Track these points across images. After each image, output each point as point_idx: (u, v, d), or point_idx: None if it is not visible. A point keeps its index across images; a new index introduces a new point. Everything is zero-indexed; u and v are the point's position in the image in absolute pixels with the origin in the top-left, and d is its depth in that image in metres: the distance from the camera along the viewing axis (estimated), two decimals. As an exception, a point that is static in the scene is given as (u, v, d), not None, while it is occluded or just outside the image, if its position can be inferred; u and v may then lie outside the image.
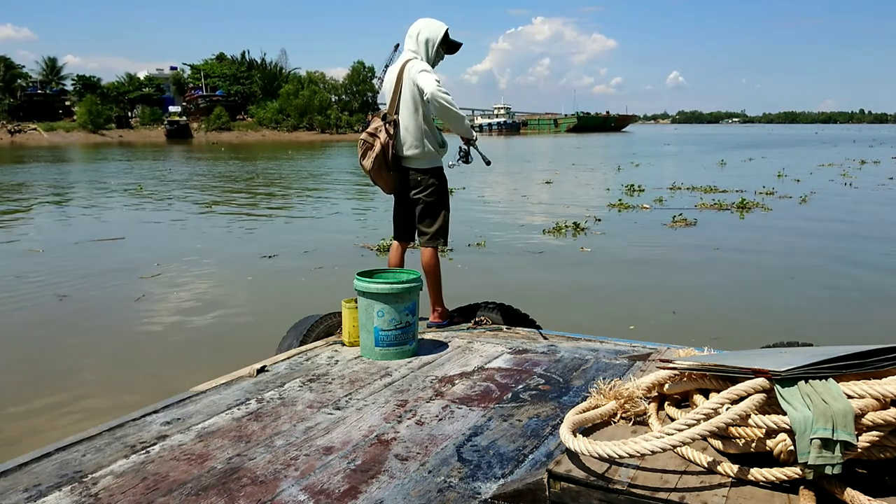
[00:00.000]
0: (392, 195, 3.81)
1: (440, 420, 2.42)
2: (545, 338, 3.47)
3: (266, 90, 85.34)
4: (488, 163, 3.94)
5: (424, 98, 3.51)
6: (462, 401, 2.60)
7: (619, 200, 14.57)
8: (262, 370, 2.97)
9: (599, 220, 12.09)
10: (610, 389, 2.22)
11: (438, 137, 3.72)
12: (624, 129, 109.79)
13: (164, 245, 10.19)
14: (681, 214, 12.05)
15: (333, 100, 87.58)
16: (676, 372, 2.19)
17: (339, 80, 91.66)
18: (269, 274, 7.97)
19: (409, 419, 2.43)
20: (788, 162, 27.62)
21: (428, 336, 3.51)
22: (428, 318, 3.74)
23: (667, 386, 2.26)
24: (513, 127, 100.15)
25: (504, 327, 3.67)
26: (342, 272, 7.62)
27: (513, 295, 6.76)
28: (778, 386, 1.81)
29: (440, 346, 3.34)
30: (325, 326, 3.55)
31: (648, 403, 2.28)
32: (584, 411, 2.19)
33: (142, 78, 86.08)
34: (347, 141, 64.80)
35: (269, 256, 8.96)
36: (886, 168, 24.25)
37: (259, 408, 2.56)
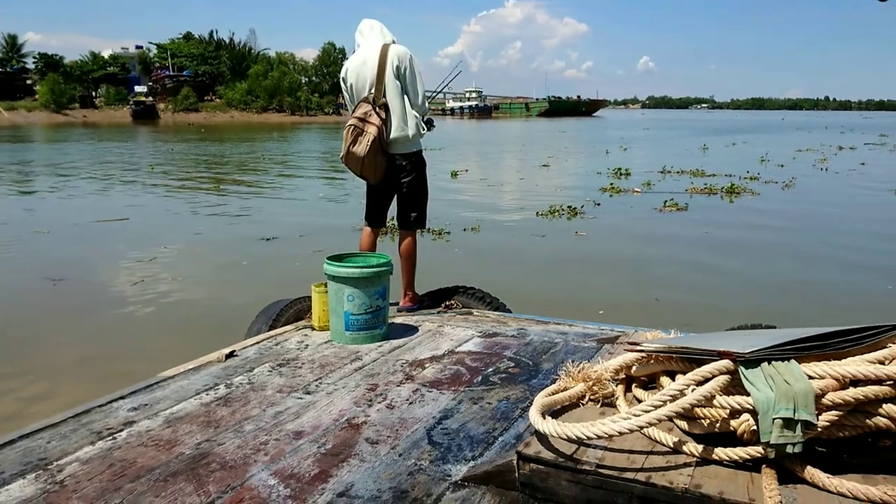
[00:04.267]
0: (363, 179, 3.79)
1: (411, 404, 2.43)
2: (515, 321, 3.49)
3: (235, 71, 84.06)
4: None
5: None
6: (432, 384, 2.61)
7: (611, 184, 14.66)
8: (230, 355, 2.95)
9: (599, 203, 12.18)
10: (578, 372, 2.24)
11: (420, 120, 3.72)
12: (595, 114, 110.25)
13: (164, 226, 10.09)
14: (672, 199, 12.17)
15: (303, 81, 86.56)
16: (644, 354, 2.22)
17: (310, 61, 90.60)
18: (265, 258, 7.91)
19: (379, 403, 2.44)
20: (769, 147, 28.00)
21: (398, 320, 3.51)
22: (399, 303, 3.75)
23: (634, 368, 2.29)
24: (485, 110, 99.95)
25: (474, 311, 3.69)
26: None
27: (504, 279, 6.84)
28: (742, 367, 1.84)
29: (411, 330, 3.34)
30: (295, 311, 3.54)
31: (616, 385, 2.31)
32: (553, 394, 2.21)
33: (106, 57, 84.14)
34: (318, 123, 64.26)
35: (268, 239, 8.88)
36: (861, 154, 24.78)
37: (228, 393, 2.54)
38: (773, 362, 1.84)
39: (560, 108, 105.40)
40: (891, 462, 1.74)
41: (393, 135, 3.60)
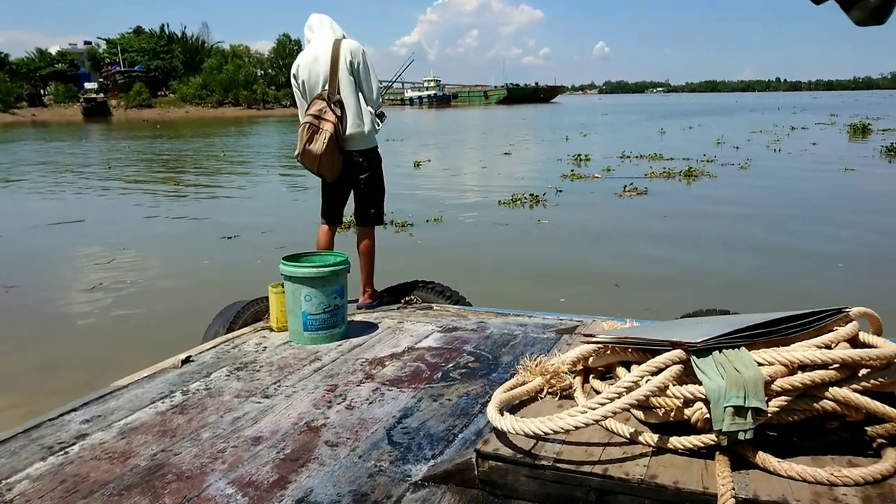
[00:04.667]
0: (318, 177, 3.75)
1: (370, 403, 2.42)
2: (475, 315, 3.50)
3: (188, 65, 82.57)
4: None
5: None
6: (392, 382, 2.61)
7: (572, 171, 14.76)
8: (186, 360, 2.90)
9: (560, 190, 12.24)
10: (536, 366, 2.26)
11: (374, 115, 3.69)
12: (553, 100, 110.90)
13: (122, 228, 9.86)
14: (632, 184, 12.30)
15: (259, 74, 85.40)
16: (599, 346, 2.24)
17: (265, 53, 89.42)
18: (226, 257, 7.79)
19: (339, 404, 2.42)
20: (724, 130, 28.42)
21: (358, 318, 3.49)
22: (358, 300, 3.73)
23: (591, 359, 2.31)
24: (443, 99, 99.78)
25: (434, 306, 3.69)
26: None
27: (466, 270, 6.85)
28: (694, 357, 1.87)
29: (370, 327, 3.33)
30: (253, 312, 3.49)
31: (574, 377, 2.33)
32: (512, 388, 2.22)
33: (53, 53, 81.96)
34: (275, 116, 63.49)
35: (229, 237, 8.75)
36: (813, 134, 25.30)
37: (184, 400, 2.50)
38: (723, 350, 1.87)
39: (518, 95, 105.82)
40: (837, 443, 1.79)
41: (349, 131, 3.57)
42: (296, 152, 3.62)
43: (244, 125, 48.22)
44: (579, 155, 17.88)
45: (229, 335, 3.25)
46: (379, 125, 3.71)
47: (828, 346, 1.93)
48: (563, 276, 6.62)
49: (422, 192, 12.78)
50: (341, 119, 3.52)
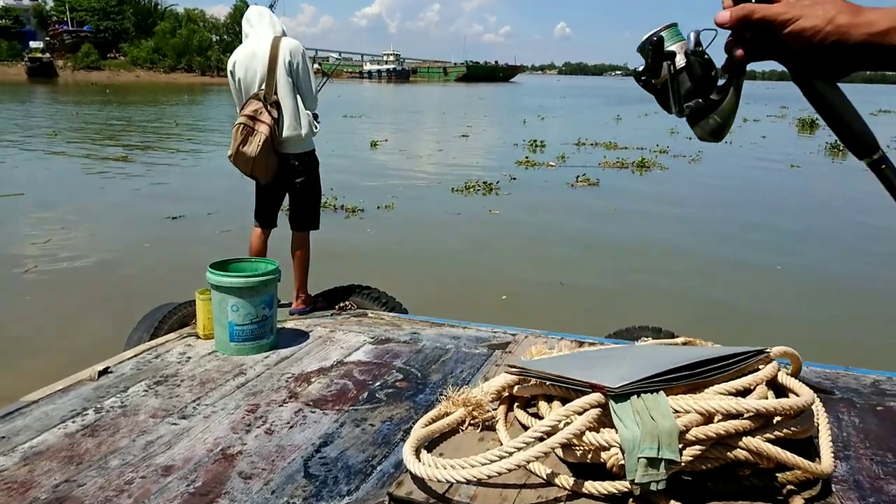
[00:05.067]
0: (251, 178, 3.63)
1: (291, 427, 2.35)
2: (409, 324, 3.46)
3: (140, 27, 79.95)
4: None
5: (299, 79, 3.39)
6: (316, 403, 2.55)
7: (526, 158, 14.75)
8: (104, 372, 2.79)
9: (514, 178, 12.22)
10: (459, 397, 2.22)
11: (311, 118, 3.58)
12: (512, 80, 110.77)
13: (64, 202, 9.50)
14: (584, 174, 12.35)
15: (214, 40, 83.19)
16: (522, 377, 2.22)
17: (221, 18, 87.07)
18: (169, 240, 7.55)
19: (258, 427, 2.35)
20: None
21: (289, 325, 3.41)
22: (291, 304, 3.64)
23: (516, 388, 2.29)
24: (402, 74, 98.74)
25: (369, 312, 3.63)
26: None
27: (412, 262, 6.79)
28: (612, 402, 1.86)
29: (301, 336, 3.25)
30: (180, 317, 3.38)
31: (498, 406, 2.31)
32: (432, 421, 2.18)
33: (-3, 8, 78.37)
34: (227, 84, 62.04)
35: (174, 217, 8.48)
36: (763, 127, 25.77)
37: (97, 419, 2.40)
38: (642, 395, 1.86)
39: (478, 74, 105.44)
40: (750, 490, 1.81)
41: (285, 134, 3.46)
42: (229, 153, 3.50)
43: (197, 93, 46.97)
44: (535, 141, 17.91)
45: (153, 342, 3.13)
46: (317, 128, 3.60)
47: (747, 390, 1.94)
48: (508, 272, 6.62)
49: (376, 175, 12.65)
50: (278, 121, 3.40)
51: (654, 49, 0.82)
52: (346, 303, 3.68)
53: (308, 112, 3.50)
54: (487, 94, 55.97)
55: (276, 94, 3.41)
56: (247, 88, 3.49)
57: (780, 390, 2.08)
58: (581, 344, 3.06)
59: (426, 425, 2.16)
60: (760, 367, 2.11)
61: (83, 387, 2.67)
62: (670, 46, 0.82)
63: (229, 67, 3.55)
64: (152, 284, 5.70)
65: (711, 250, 7.81)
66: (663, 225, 9.14)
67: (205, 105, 34.95)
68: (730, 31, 0.73)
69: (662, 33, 0.83)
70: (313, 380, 2.76)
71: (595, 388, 1.91)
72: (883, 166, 0.73)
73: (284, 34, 3.60)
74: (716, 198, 11.28)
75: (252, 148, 3.35)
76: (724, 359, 1.99)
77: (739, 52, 0.74)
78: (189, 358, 2.97)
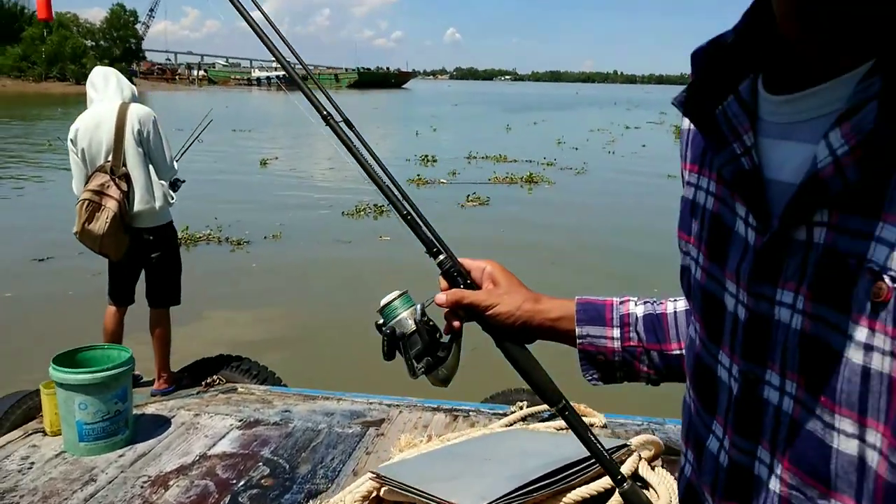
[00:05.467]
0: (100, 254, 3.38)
1: None
2: (281, 399, 3.32)
3: (5, 33, 74.69)
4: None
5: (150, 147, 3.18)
6: None
7: (418, 175, 14.67)
8: (-70, 490, 2.50)
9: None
10: (322, 510, 2.13)
11: (166, 188, 3.37)
12: (404, 86, 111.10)
13: None
14: (475, 193, 12.42)
15: (90, 46, 78.91)
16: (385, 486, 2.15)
17: (96, 23, 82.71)
18: (34, 286, 6.87)
19: None
20: (566, 127, 29.50)
21: (151, 409, 3.19)
22: (153, 384, 3.42)
23: (383, 491, 2.23)
24: (292, 81, 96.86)
25: (238, 387, 3.46)
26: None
27: (296, 300, 6.56)
28: (471, 523, 1.82)
29: (162, 424, 3.05)
30: (25, 409, 3.10)
31: (365, 509, 2.24)
32: (293, 539, 2.08)
33: None
34: (108, 94, 58.96)
35: (42, 260, 7.80)
36: (644, 135, 26.87)
37: None
38: (502, 512, 1.83)
39: (370, 80, 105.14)
40: None
41: (137, 208, 3.23)
42: (74, 229, 3.24)
43: (72, 105, 44.17)
44: (427, 156, 17.96)
45: (-8, 444, 2.85)
46: (173, 199, 3.41)
47: (608, 492, 1.95)
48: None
49: (265, 199, 12.29)
50: (127, 194, 3.18)
51: (388, 339, 1.00)
52: (214, 378, 3.50)
53: (163, 182, 3.29)
54: (380, 102, 55.83)
55: (124, 165, 3.18)
56: (91, 160, 3.23)
57: (643, 482, 2.11)
58: (455, 418, 3.03)
59: (286, 546, 2.06)
60: (623, 458, 2.15)
61: None
62: (402, 312, 0.99)
63: (70, 136, 3.27)
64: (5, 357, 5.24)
65: (574, 281, 7.90)
66: (550, 241, 9.34)
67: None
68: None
69: (397, 310, 1.00)
70: (171, 483, 2.58)
71: (454, 508, 1.87)
72: (567, 413, 0.88)
73: (134, 98, 3.38)
74: (594, 220, 11.47)
75: (99, 225, 3.11)
76: (585, 459, 2.00)
77: (456, 323, 0.94)
78: (32, 464, 2.72)
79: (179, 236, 9.44)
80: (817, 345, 0.52)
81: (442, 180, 14.35)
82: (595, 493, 1.97)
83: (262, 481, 2.59)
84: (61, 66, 71.74)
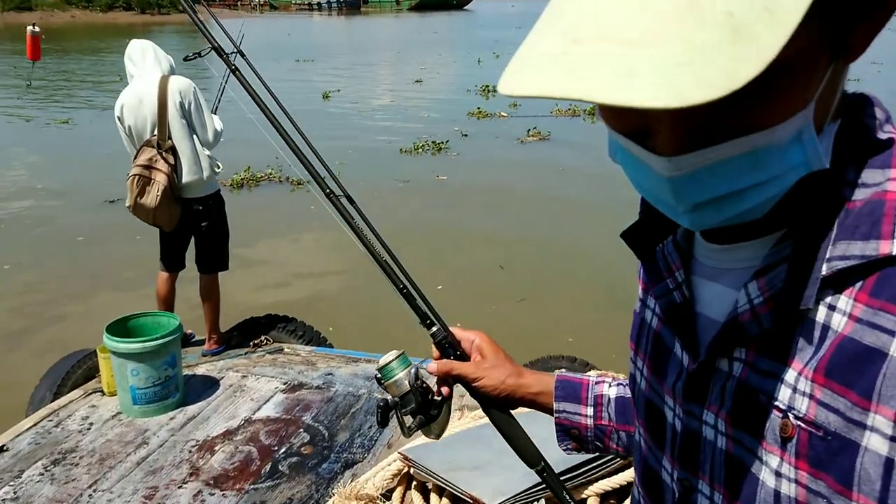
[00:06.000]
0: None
1: None
2: (325, 361, 3.41)
3: (72, -37, 75.54)
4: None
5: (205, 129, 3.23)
6: (217, 481, 2.51)
7: (478, 108, 14.39)
8: (1, 450, 2.70)
9: (466, 134, 11.95)
10: (351, 491, 2.21)
11: (212, 157, 3.41)
12: (466, 7, 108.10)
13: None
14: (535, 127, 12.12)
15: (153, -27, 79.20)
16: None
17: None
18: (103, 232, 6.87)
19: None
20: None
21: (201, 370, 3.33)
22: (204, 345, 3.56)
23: (412, 470, 2.29)
24: (353, 5, 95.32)
25: (285, 347, 3.56)
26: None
27: (347, 249, 6.66)
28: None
29: (211, 386, 3.18)
30: (85, 370, 3.27)
31: (396, 486, 2.31)
32: (325, 518, 2.18)
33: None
34: (173, 24, 59.19)
35: (113, 201, 8.03)
36: None
37: None
38: (521, 506, 1.87)
39: (431, 2, 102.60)
40: None
41: (185, 179, 3.29)
42: (127, 203, 3.33)
43: (139, 34, 45.00)
44: (488, 86, 17.57)
45: (55, 405, 3.03)
46: (219, 168, 3.45)
47: (630, 484, 1.96)
48: (447, 256, 6.57)
49: (326, 136, 12.31)
50: (175, 167, 3.24)
51: (382, 409, 1.05)
52: (262, 338, 3.60)
53: (208, 153, 3.33)
54: (441, 26, 54.51)
55: (170, 138, 3.22)
56: (139, 135, 3.29)
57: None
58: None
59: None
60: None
61: (-24, 473, 2.58)
62: (399, 373, 1.05)
63: (116, 113, 3.32)
64: (78, 300, 5.49)
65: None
66: (613, 184, 9.09)
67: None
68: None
69: (394, 371, 1.05)
70: (217, 448, 2.71)
71: (476, 501, 1.92)
72: (545, 474, 1.00)
73: (173, 71, 3.38)
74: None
75: (151, 199, 3.19)
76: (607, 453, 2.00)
77: (445, 389, 1.02)
78: (91, 424, 2.89)
79: (241, 177, 9.69)
80: (738, 464, 0.60)
81: (502, 113, 14.03)
82: (616, 486, 1.98)
83: (302, 449, 2.70)
84: (127, -5, 72.44)
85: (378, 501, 2.20)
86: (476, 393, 0.99)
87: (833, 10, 0.48)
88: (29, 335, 4.95)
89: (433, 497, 2.14)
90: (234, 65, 1.62)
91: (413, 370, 1.05)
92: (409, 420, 1.05)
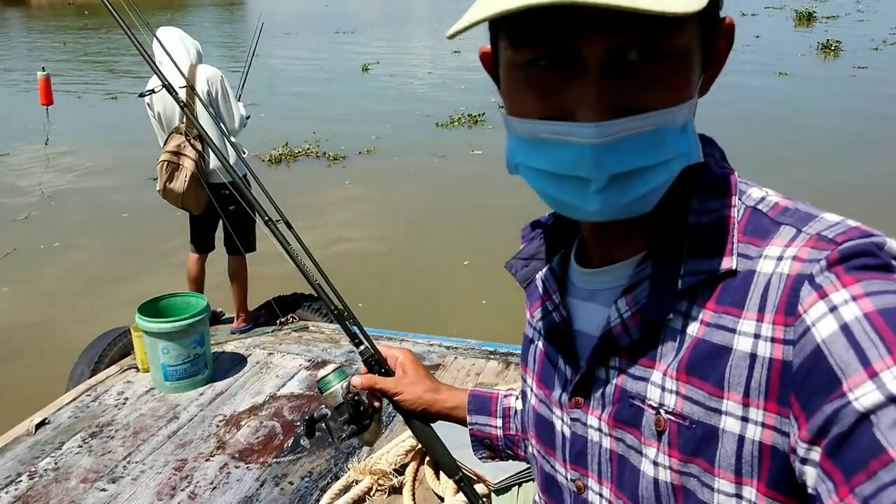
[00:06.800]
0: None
1: (214, 489, 2.45)
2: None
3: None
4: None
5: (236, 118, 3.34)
6: (242, 455, 2.64)
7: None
8: (41, 424, 2.87)
9: (502, 105, 11.93)
10: (365, 467, 2.31)
11: (238, 143, 3.52)
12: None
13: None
14: None
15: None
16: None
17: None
18: (147, 208, 6.82)
19: (183, 490, 2.45)
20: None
21: (230, 347, 3.47)
22: (233, 323, 3.70)
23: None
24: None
25: (310, 325, 3.68)
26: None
27: (381, 226, 6.75)
28: (494, 494, 1.94)
29: (239, 363, 3.31)
30: (122, 347, 3.44)
31: (410, 461, 2.41)
32: (341, 491, 2.28)
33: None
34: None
35: (155, 178, 8.18)
36: (761, 23, 24.77)
37: (29, 487, 2.50)
38: (523, 484, 1.94)
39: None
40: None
41: (212, 165, 3.41)
42: (157, 188, 3.46)
43: (176, 9, 45.35)
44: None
45: (92, 381, 3.20)
46: (245, 152, 3.54)
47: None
48: (476, 232, 6.60)
49: (363, 110, 12.37)
50: (202, 153, 3.35)
51: (307, 422, 1.16)
52: (289, 316, 3.72)
53: (234, 140, 3.43)
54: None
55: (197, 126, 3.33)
56: (167, 122, 3.41)
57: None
58: (508, 365, 3.13)
59: (335, 496, 2.26)
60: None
61: (20, 444, 2.75)
62: (335, 385, 1.12)
63: (146, 100, 3.43)
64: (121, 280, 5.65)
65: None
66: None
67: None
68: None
69: (331, 383, 1.12)
70: (243, 422, 2.84)
71: (480, 479, 2.00)
72: (462, 483, 1.11)
73: (200, 60, 3.47)
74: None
75: (179, 184, 3.32)
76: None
77: (377, 403, 1.12)
78: (126, 399, 3.05)
79: (280, 153, 9.79)
80: (621, 460, 0.68)
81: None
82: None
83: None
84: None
85: (390, 476, 2.30)
86: (397, 406, 1.07)
87: (707, 29, 0.60)
88: (73, 310, 5.17)
89: (443, 473, 2.22)
90: (182, 101, 1.77)
91: (346, 383, 1.12)
92: (340, 429, 1.12)
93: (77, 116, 12.01)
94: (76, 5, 51.25)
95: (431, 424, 1.10)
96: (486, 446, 1.07)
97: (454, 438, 1.96)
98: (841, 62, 15.46)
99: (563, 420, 0.75)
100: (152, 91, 2.35)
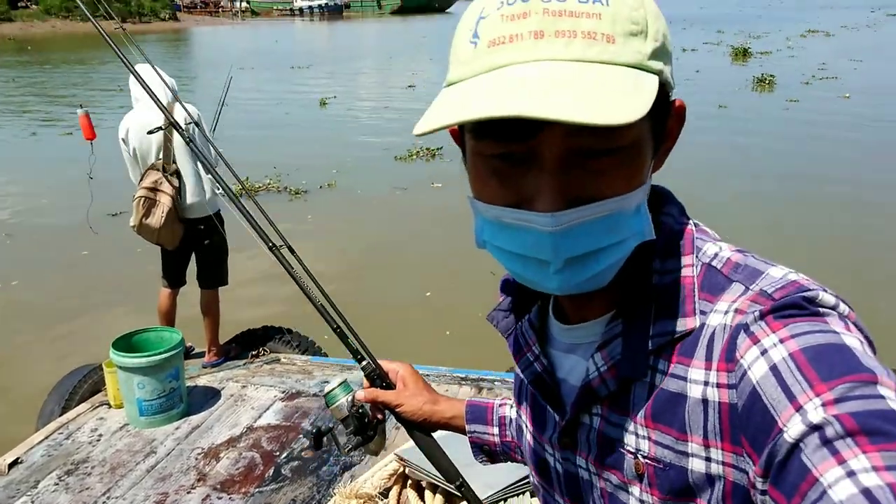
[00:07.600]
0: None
1: None
2: (320, 370, 3.55)
3: (51, -27, 75.04)
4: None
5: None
6: (224, 486, 2.66)
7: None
8: (14, 463, 2.84)
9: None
10: (351, 491, 2.37)
11: (214, 180, 3.56)
12: (448, 10, 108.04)
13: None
14: None
15: (134, -18, 78.76)
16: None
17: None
18: (107, 245, 6.75)
19: None
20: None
21: (202, 381, 3.48)
22: (204, 357, 3.71)
23: (407, 469, 2.45)
24: (335, 10, 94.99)
25: (282, 357, 3.72)
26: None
27: (345, 260, 6.78)
28: (480, 510, 2.02)
29: (213, 396, 3.33)
30: (91, 384, 3.42)
31: (393, 484, 2.47)
32: (327, 517, 2.34)
33: None
34: (154, 32, 58.85)
35: (114, 214, 8.01)
36: (700, 58, 25.77)
37: None
38: (509, 499, 2.03)
39: (413, 5, 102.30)
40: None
41: (189, 201, 3.47)
42: (132, 223, 3.48)
43: (121, 44, 44.65)
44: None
45: (64, 419, 3.18)
46: (220, 190, 3.60)
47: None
48: (438, 265, 6.70)
49: (323, 144, 12.41)
50: (179, 189, 3.40)
51: (315, 435, 1.27)
52: (260, 349, 3.76)
53: (210, 176, 3.49)
54: (428, 30, 54.40)
55: (174, 163, 3.39)
56: (143, 158, 3.46)
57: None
58: (480, 389, 3.23)
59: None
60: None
61: (-7, 484, 2.72)
62: (341, 398, 1.19)
63: (121, 135, 3.47)
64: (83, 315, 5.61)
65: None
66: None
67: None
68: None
69: (337, 397, 1.21)
70: (222, 455, 2.87)
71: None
72: (462, 488, 1.14)
73: (176, 97, 3.53)
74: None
75: (155, 219, 3.36)
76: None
77: (380, 415, 1.19)
78: (100, 436, 3.04)
79: (240, 187, 9.71)
80: (612, 497, 0.75)
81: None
82: None
83: (303, 453, 2.85)
84: (106, 5, 71.94)
85: (377, 499, 2.37)
86: (399, 417, 1.14)
87: (657, 117, 0.65)
88: (36, 350, 5.07)
89: (427, 494, 2.31)
90: (189, 136, 1.88)
91: (350, 396, 1.19)
92: (346, 440, 1.19)
93: (33, 153, 11.82)
94: (15, 40, 50.13)
95: (432, 434, 1.16)
96: (486, 452, 1.15)
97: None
98: (775, 95, 16.27)
99: (555, 457, 0.82)
100: (160, 128, 2.41)
